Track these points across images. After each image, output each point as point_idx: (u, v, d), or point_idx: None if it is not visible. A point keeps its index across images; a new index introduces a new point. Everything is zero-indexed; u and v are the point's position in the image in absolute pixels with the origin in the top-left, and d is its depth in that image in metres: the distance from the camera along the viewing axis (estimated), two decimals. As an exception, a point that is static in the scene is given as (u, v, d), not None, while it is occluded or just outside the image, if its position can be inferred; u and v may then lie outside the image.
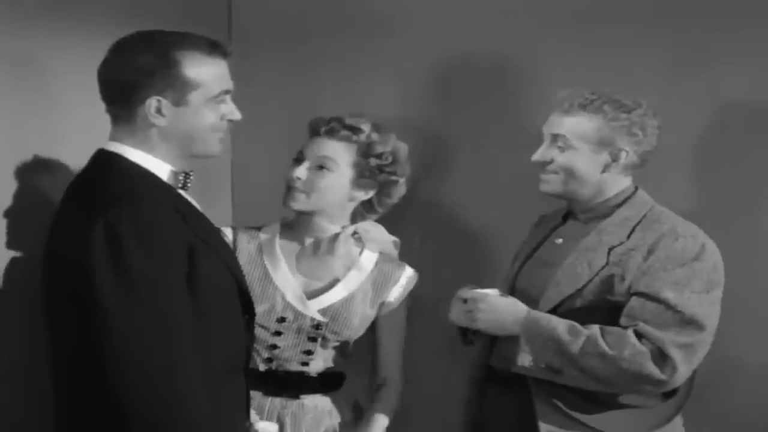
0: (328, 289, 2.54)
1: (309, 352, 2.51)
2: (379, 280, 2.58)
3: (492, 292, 2.45)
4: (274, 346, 2.49)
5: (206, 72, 2.09)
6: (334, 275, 2.56)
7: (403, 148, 2.61)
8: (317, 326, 2.50)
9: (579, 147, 2.44)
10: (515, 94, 3.09)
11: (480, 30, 3.10)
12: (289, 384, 2.51)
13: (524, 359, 2.36)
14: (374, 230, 2.61)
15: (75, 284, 1.94)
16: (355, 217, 2.61)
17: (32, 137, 2.34)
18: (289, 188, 2.50)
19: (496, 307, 2.41)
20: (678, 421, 2.47)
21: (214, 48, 2.12)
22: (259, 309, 2.40)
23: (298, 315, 2.48)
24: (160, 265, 1.96)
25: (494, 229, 3.02)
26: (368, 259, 2.59)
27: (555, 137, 2.46)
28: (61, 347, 2.04)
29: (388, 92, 3.21)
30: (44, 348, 2.09)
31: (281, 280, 2.49)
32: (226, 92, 2.14)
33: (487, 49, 3.10)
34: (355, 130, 2.52)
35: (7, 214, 2.27)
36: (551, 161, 2.46)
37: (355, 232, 2.57)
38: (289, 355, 2.50)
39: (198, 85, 2.08)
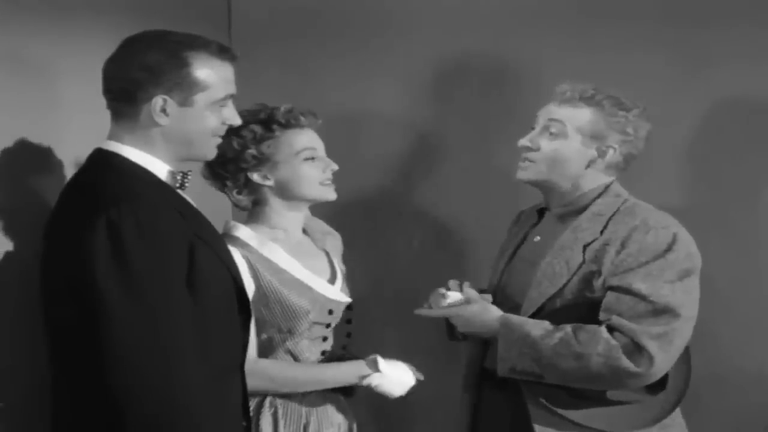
0: (333, 272, 2.59)
1: (348, 335, 2.61)
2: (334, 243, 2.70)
3: (455, 296, 2.47)
4: (325, 338, 2.55)
5: (215, 74, 2.09)
6: (325, 258, 2.62)
7: None
8: (349, 307, 2.58)
9: (572, 136, 2.45)
10: (514, 94, 3.09)
11: (479, 29, 3.11)
12: None
13: (503, 368, 2.38)
14: None
15: (75, 283, 1.94)
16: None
17: (31, 136, 2.34)
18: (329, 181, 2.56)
19: (469, 318, 2.44)
20: (677, 414, 2.46)
21: (223, 51, 2.12)
22: (312, 313, 2.47)
23: (337, 303, 2.54)
24: (161, 263, 1.96)
25: (492, 229, 3.02)
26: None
27: (549, 124, 2.47)
28: (59, 346, 2.03)
29: (388, 92, 3.21)
30: (42, 347, 2.09)
31: (307, 279, 2.52)
32: (231, 96, 2.15)
33: (486, 49, 3.11)
34: None
35: (5, 213, 2.27)
36: (537, 149, 2.47)
37: None
38: (336, 341, 2.58)
39: (206, 86, 2.08)
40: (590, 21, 3.01)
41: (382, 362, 2.47)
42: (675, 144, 2.79)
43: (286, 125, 2.49)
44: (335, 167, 2.53)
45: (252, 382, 2.33)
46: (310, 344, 2.51)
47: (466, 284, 2.52)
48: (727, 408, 2.90)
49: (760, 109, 2.87)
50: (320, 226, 2.69)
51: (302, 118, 2.51)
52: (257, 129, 2.47)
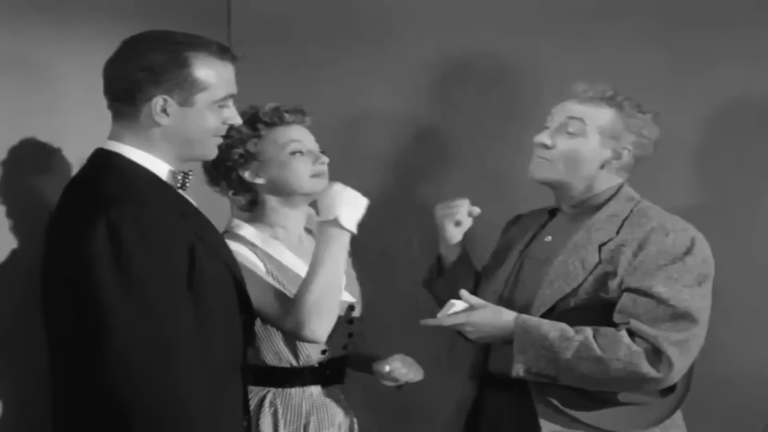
0: None
1: (350, 335, 2.59)
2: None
3: (461, 305, 2.42)
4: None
5: (215, 74, 2.10)
6: None
7: None
8: (351, 307, 2.57)
9: (591, 136, 2.45)
10: (514, 94, 3.09)
11: (479, 30, 3.11)
12: (341, 368, 2.59)
13: (518, 369, 2.36)
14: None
15: (76, 283, 1.95)
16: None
17: (33, 137, 2.34)
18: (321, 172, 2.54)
19: (481, 324, 2.40)
20: (678, 415, 2.47)
21: (224, 51, 2.13)
22: None
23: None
24: (162, 264, 1.97)
25: (492, 229, 3.02)
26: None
27: (568, 122, 2.46)
28: (59, 346, 2.04)
29: (387, 92, 3.21)
30: (42, 347, 2.09)
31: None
32: (231, 96, 2.15)
33: (486, 50, 3.11)
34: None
35: (7, 213, 2.27)
36: (553, 147, 2.46)
37: None
38: (336, 342, 2.54)
39: (206, 87, 2.09)
40: (589, 21, 3.01)
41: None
42: (674, 144, 2.78)
43: (271, 123, 2.51)
44: (326, 159, 2.53)
45: (288, 323, 2.33)
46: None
47: (462, 290, 2.47)
48: (727, 408, 2.89)
49: (760, 108, 2.87)
50: None
51: (287, 116, 2.52)
52: (243, 129, 2.47)
